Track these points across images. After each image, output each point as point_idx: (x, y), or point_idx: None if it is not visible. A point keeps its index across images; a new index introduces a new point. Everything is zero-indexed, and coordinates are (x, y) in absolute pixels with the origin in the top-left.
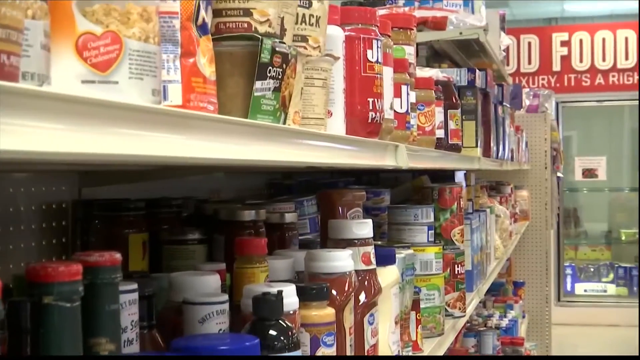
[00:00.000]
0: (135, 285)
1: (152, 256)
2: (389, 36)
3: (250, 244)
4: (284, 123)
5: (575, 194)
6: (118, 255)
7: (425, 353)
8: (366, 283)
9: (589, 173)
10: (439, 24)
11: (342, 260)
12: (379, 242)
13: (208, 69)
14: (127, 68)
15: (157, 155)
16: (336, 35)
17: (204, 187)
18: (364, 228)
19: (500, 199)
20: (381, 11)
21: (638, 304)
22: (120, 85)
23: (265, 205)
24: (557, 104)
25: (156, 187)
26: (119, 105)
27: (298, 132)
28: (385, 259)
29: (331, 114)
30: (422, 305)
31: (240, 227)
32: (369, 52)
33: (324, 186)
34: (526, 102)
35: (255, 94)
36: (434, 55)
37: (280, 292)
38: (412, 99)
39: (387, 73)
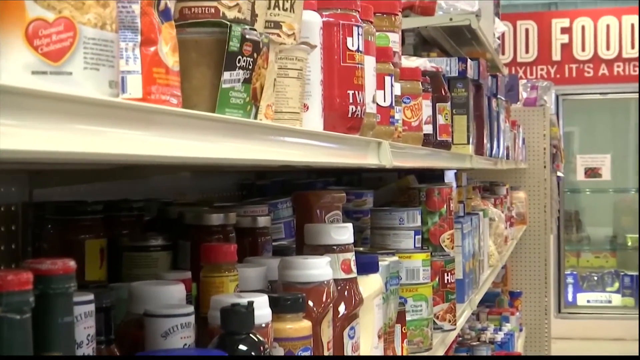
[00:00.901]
0: (91, 296)
1: (110, 264)
2: (371, 22)
3: (218, 251)
4: (255, 118)
5: (577, 195)
6: (72, 263)
7: None
8: (346, 293)
9: (592, 172)
10: (427, 9)
11: (319, 268)
12: (361, 249)
13: (171, 59)
14: (82, 58)
15: (115, 153)
16: (313, 21)
17: (168, 188)
18: (344, 233)
19: (494, 201)
20: None
21: None
22: (75, 77)
23: (235, 208)
24: (557, 96)
25: (115, 188)
26: (73, 98)
27: (271, 127)
28: (367, 266)
29: (307, 108)
30: (408, 318)
31: (208, 232)
32: (348, 39)
33: (300, 187)
34: (523, 94)
35: (224, 85)
36: (421, 43)
37: (251, 303)
38: (397, 91)
39: (369, 63)
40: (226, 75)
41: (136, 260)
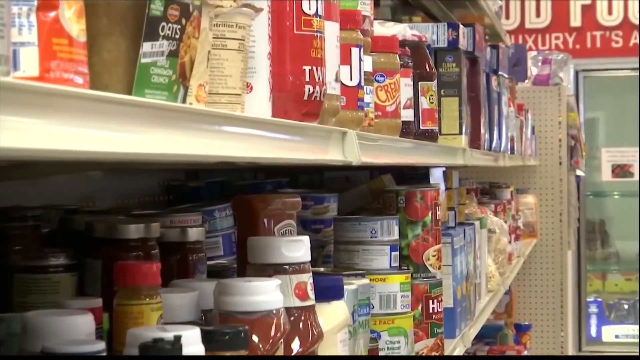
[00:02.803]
0: None
1: None
2: None
3: (137, 271)
4: (184, 101)
5: (603, 200)
6: None
7: None
8: (301, 325)
9: (621, 171)
10: None
11: (266, 294)
12: (321, 269)
13: (76, 27)
14: None
15: (6, 148)
16: None
17: (73, 191)
18: (299, 248)
19: (495, 207)
20: None
21: None
22: None
23: (159, 217)
24: (576, 73)
25: (5, 191)
26: None
27: (204, 113)
28: (329, 291)
29: (251, 89)
30: None
31: (124, 247)
32: (304, 1)
33: (243, 190)
34: (533, 70)
35: (143, 60)
36: (401, 4)
37: (178, 338)
38: (368, 66)
39: (331, 30)
40: (146, 46)
41: (31, 284)
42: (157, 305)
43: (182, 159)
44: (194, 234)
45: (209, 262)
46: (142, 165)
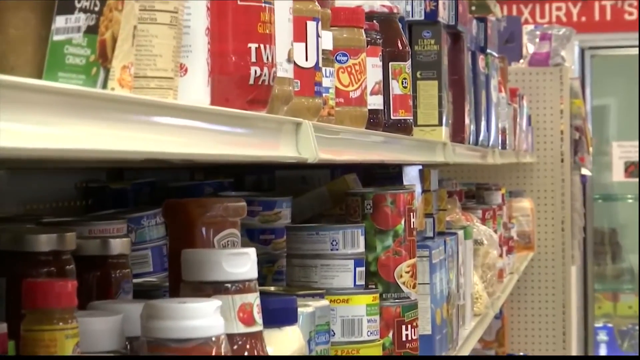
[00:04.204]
0: None
1: None
2: None
3: (48, 291)
4: (105, 86)
5: (613, 204)
6: None
7: None
8: (247, 354)
9: (635, 169)
10: None
11: (204, 318)
12: (271, 288)
13: None
14: None
15: None
16: None
17: None
18: (244, 263)
19: (483, 213)
20: None
21: None
22: None
23: (76, 225)
24: (581, 51)
25: None
26: None
27: (128, 101)
28: (280, 315)
29: (186, 71)
30: None
31: (33, 262)
32: None
33: (177, 193)
34: (529, 48)
35: (56, 37)
36: None
37: None
38: (327, 44)
39: (283, 1)
40: (59, 21)
41: None
42: (72, 331)
43: (103, 156)
44: (118, 245)
45: (135, 280)
46: (55, 164)
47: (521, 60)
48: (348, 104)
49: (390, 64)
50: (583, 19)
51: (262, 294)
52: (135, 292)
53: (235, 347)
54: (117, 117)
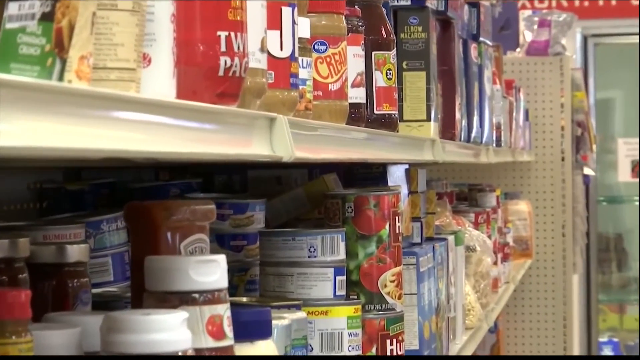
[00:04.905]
0: None
1: None
2: None
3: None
4: (62, 78)
5: (619, 207)
6: None
7: None
8: None
9: None
10: None
11: (170, 331)
12: (243, 299)
13: None
14: None
15: None
16: None
17: None
18: (213, 271)
19: (475, 217)
20: None
21: None
22: None
23: (29, 230)
24: (584, 38)
25: None
26: None
27: (87, 94)
28: (252, 328)
29: (150, 61)
30: None
31: None
32: None
33: (139, 194)
34: (526, 36)
35: (8, 25)
36: None
37: None
38: (304, 32)
39: None
40: (12, 7)
41: None
42: (26, 345)
43: (59, 154)
44: (75, 252)
45: (94, 290)
46: (6, 163)
47: (518, 49)
48: (327, 98)
49: (373, 53)
50: (586, 3)
51: (233, 305)
52: (94, 303)
53: None
54: (75, 112)
